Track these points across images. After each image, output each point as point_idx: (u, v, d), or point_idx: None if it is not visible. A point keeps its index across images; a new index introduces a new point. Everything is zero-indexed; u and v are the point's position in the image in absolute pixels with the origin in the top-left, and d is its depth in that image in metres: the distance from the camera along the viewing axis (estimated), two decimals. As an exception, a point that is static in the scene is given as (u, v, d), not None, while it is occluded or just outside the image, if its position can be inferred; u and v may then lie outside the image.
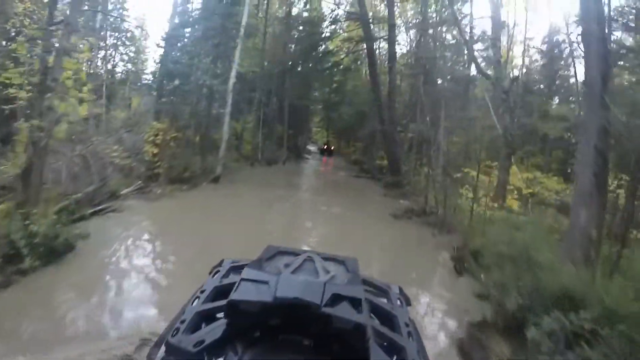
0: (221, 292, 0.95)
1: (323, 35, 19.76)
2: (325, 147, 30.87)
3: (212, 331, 0.84)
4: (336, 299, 0.82)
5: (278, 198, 12.17)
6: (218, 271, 1.08)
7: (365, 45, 17.53)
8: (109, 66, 20.59)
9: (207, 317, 0.89)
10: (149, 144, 12.56)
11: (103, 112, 16.64)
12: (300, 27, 20.52)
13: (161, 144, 12.36)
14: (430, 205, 11.49)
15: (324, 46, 20.33)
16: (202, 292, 0.97)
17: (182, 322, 0.87)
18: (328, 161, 27.31)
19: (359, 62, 24.03)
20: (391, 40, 15.89)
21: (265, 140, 22.01)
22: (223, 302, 0.87)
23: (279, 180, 15.15)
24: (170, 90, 13.93)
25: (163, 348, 0.83)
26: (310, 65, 19.69)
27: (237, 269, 1.05)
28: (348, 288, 0.88)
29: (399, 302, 1.06)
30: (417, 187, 14.54)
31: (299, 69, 21.23)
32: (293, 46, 20.70)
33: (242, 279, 0.87)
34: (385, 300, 1.04)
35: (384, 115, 16.37)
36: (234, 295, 0.83)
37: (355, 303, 0.83)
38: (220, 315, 0.88)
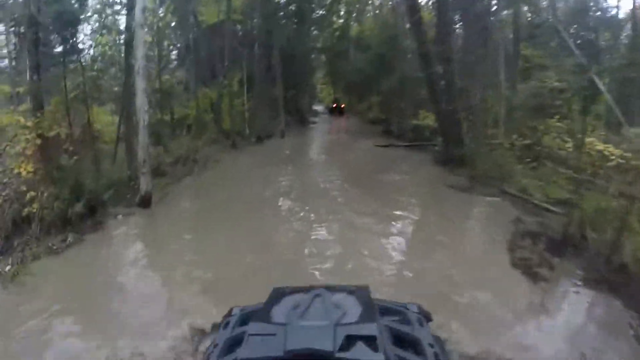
0: (235, 342, 0.92)
1: None
2: (335, 105, 25.23)
3: None
4: (350, 340, 0.79)
5: (262, 247, 5.79)
6: (228, 322, 1.06)
7: None
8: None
9: None
10: (17, 158, 6.60)
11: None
12: None
13: (32, 155, 6.51)
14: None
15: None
16: (215, 346, 0.96)
17: None
18: (340, 124, 21.53)
19: None
20: None
21: (257, 107, 16.31)
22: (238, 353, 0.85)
23: (271, 173, 9.16)
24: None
25: None
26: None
27: (248, 316, 1.03)
28: (361, 326, 0.84)
29: (418, 322, 1.03)
30: (495, 166, 8.91)
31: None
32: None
33: (250, 334, 0.85)
34: (405, 323, 1.02)
35: (428, 51, 10.14)
36: (242, 353, 0.82)
37: (370, 341, 0.79)
38: None
